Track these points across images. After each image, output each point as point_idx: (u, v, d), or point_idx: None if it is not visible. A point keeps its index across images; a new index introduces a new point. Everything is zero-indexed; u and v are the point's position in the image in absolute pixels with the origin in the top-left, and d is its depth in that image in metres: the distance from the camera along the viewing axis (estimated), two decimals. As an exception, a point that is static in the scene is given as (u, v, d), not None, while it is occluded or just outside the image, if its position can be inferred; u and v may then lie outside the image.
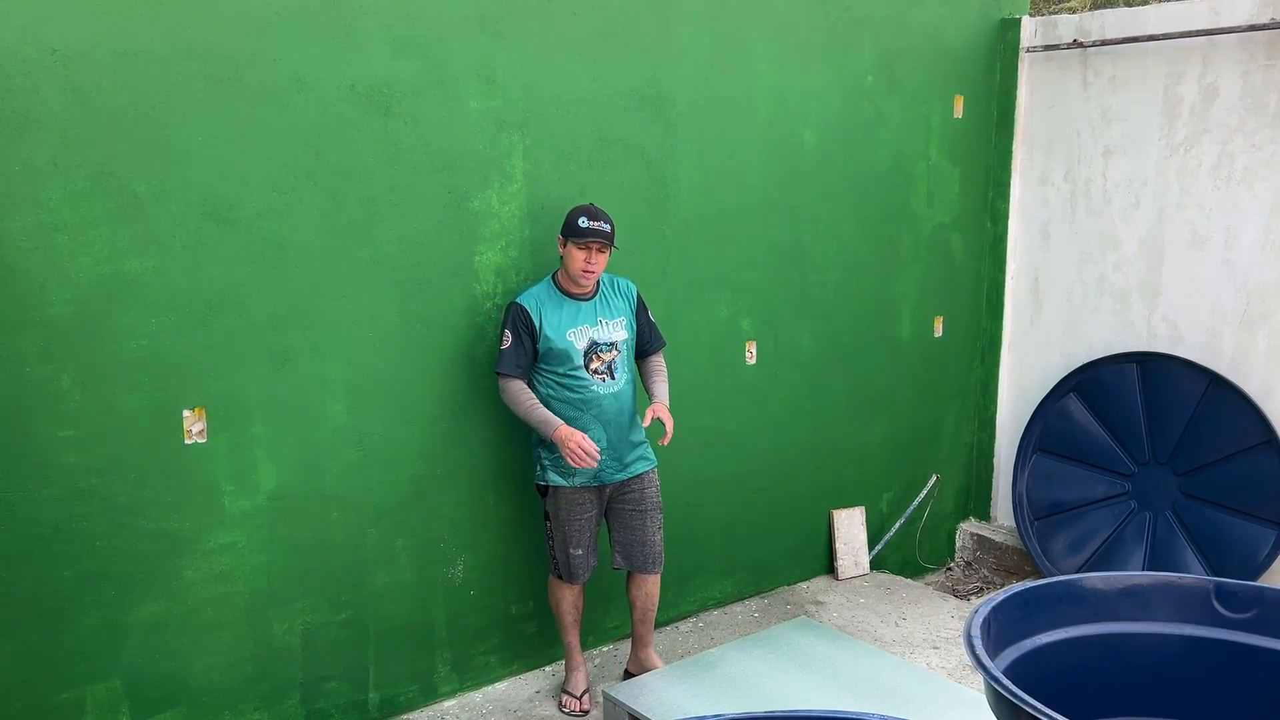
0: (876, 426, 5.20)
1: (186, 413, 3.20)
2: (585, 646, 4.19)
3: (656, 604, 3.98)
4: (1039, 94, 5.27)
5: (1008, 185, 5.39)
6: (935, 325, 5.33)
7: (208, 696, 3.34)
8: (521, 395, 3.61)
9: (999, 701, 2.37)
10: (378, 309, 3.53)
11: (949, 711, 3.40)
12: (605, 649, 4.36)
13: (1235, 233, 4.61)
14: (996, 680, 2.33)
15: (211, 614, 3.33)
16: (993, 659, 2.46)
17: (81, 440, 3.04)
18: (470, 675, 3.98)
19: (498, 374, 3.63)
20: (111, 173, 3.01)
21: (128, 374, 3.09)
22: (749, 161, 4.45)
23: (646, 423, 3.69)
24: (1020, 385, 5.51)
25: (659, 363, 3.90)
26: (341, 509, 3.55)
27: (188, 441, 3.21)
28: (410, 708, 3.82)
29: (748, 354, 4.62)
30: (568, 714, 3.89)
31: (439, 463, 3.76)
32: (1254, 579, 4.45)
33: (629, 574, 3.94)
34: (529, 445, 3.95)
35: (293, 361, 3.38)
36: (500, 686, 4.04)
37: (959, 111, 5.19)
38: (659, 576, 3.93)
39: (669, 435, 3.72)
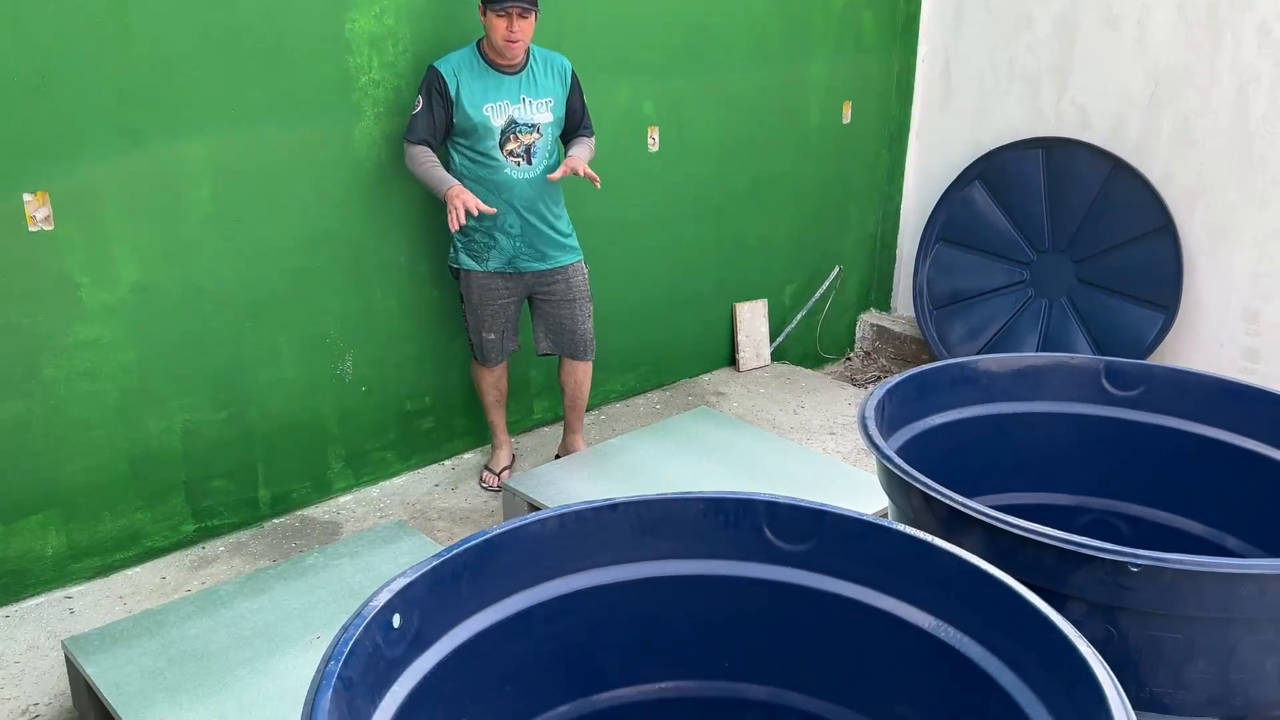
0: (781, 218, 5.09)
1: (27, 197, 2.90)
2: (512, 432, 4.20)
3: (587, 392, 3.96)
4: None
5: (923, -40, 5.12)
6: (844, 111, 5.16)
7: (83, 498, 3.20)
8: (421, 156, 3.40)
9: (890, 479, 2.37)
10: (238, 84, 3.20)
11: (841, 493, 3.45)
12: (530, 434, 4.32)
13: (1149, 11, 4.47)
14: (888, 459, 2.32)
15: (79, 413, 3.13)
16: (886, 440, 2.45)
17: (-93, 228, 2.74)
18: (366, 471, 3.90)
19: (406, 140, 3.43)
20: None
21: (-47, 153, 2.77)
22: (650, -75, 4.09)
23: (556, 176, 3.45)
24: (926, 174, 5.42)
25: (587, 135, 3.66)
26: (214, 304, 3.33)
27: (32, 229, 2.92)
28: (305, 504, 3.75)
29: (650, 140, 4.41)
30: (485, 488, 3.92)
31: (318, 255, 3.53)
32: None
33: (560, 361, 3.89)
34: (414, 236, 3.75)
35: (144, 143, 3.06)
36: (398, 481, 3.98)
37: (875, -124, 4.84)
38: (590, 364, 3.89)
39: (595, 177, 3.45)
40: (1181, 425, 2.81)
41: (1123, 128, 4.64)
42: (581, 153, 3.55)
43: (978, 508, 2.09)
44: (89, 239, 3.03)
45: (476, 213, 3.31)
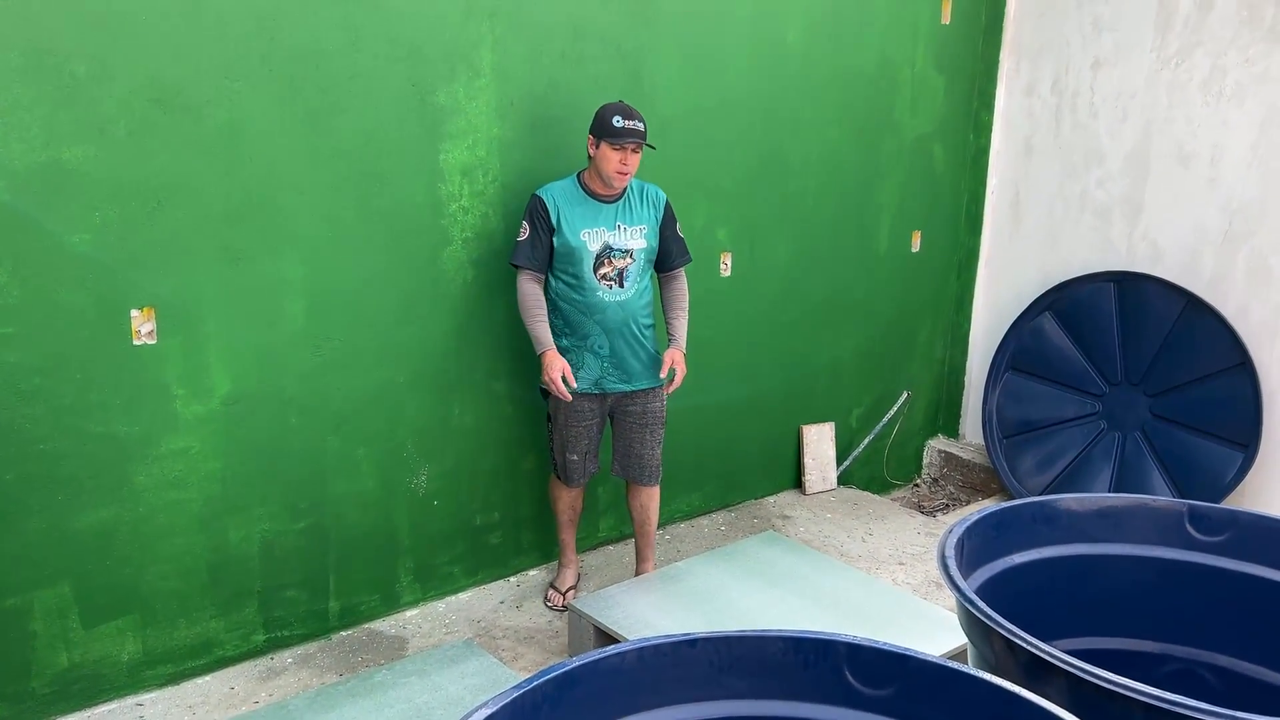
0: (849, 341, 5.13)
1: (135, 312, 3.04)
2: (578, 550, 4.23)
3: (654, 518, 3.98)
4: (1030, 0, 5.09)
5: (993, 96, 5.24)
6: (913, 240, 5.23)
7: (161, 604, 3.26)
8: (529, 301, 3.53)
9: (971, 622, 2.34)
10: (336, 206, 3.36)
11: (914, 627, 3.39)
12: (595, 552, 4.31)
13: (1222, 149, 4.51)
14: (970, 601, 2.29)
15: (164, 520, 3.22)
16: (966, 578, 2.42)
17: (22, 338, 2.88)
18: (433, 585, 3.92)
19: (513, 266, 3.55)
20: (48, 50, 2.79)
21: (70, 270, 2.92)
22: (730, 60, 4.26)
23: (664, 371, 3.63)
24: (995, 302, 5.44)
25: (681, 288, 3.77)
26: (300, 415, 3.43)
27: (136, 342, 3.06)
28: (372, 617, 3.77)
29: (722, 266, 4.50)
30: (550, 608, 3.93)
31: (401, 369, 3.63)
32: (1219, 500, 4.47)
33: (627, 483, 3.93)
34: (492, 355, 3.84)
35: (247, 260, 3.21)
36: (464, 596, 3.99)
37: (946, 16, 5.00)
38: (656, 490, 3.93)
39: (676, 384, 3.68)
40: (1268, 574, 2.74)
41: (1196, 263, 4.63)
42: (682, 338, 3.69)
43: (1063, 657, 2.05)
44: (187, 352, 3.16)
45: (573, 383, 3.50)
